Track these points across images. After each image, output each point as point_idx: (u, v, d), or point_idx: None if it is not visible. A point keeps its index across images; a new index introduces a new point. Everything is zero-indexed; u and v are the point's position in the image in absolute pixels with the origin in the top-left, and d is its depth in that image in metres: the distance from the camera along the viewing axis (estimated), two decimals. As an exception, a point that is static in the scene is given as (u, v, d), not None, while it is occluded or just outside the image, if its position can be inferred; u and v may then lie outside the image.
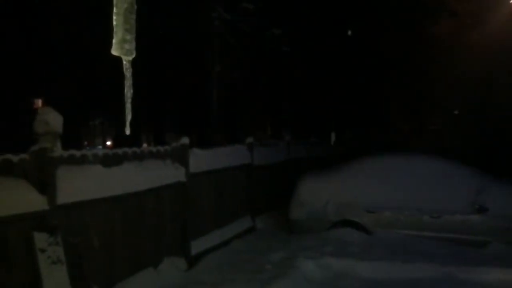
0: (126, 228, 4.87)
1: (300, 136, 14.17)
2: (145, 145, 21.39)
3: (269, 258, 6.12)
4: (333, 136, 13.99)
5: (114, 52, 1.58)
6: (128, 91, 1.69)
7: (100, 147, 33.85)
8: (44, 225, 3.72)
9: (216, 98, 11.75)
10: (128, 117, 1.78)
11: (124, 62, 1.62)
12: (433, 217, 6.66)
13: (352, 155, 9.16)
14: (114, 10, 1.58)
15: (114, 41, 1.56)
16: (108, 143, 35.54)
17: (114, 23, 1.56)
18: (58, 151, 3.97)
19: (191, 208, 6.15)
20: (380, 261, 5.60)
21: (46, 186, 3.77)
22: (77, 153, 4.41)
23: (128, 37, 1.56)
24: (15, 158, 3.66)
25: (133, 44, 1.60)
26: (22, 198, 3.54)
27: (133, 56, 1.62)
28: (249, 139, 8.36)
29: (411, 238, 6.63)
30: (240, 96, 17.23)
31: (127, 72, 1.64)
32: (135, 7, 1.57)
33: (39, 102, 17.24)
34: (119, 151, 5.03)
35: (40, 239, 3.65)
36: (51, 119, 3.76)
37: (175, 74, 15.95)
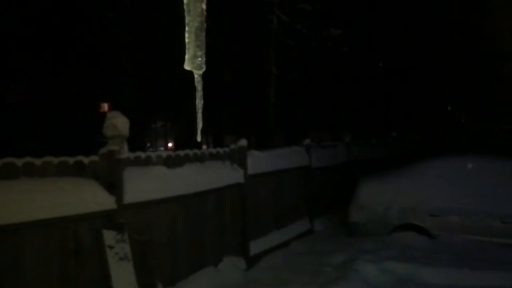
0: (188, 228, 5.03)
1: (360, 137, 13.89)
2: (204, 147, 21.93)
3: (328, 260, 6.06)
4: (394, 137, 13.56)
5: (187, 67, 1.68)
6: (199, 102, 1.79)
7: (162, 148, 35.05)
8: (112, 223, 3.94)
9: (274, 100, 11.80)
10: (200, 125, 1.87)
11: (196, 76, 1.72)
12: (505, 223, 6.27)
13: (415, 156, 8.84)
14: (186, 28, 1.69)
15: (186, 57, 1.66)
16: (170, 144, 36.71)
17: (186, 40, 1.67)
18: (125, 153, 4.18)
19: (250, 209, 6.23)
20: (445, 267, 5.36)
21: (114, 186, 3.99)
22: (142, 155, 4.63)
23: (199, 53, 1.66)
24: (86, 160, 3.90)
25: (204, 59, 1.69)
26: (93, 198, 3.76)
27: (203, 70, 1.70)
28: (307, 141, 8.33)
29: (480, 244, 6.28)
30: (298, 98, 17.17)
31: (198, 84, 1.74)
32: (205, 25, 1.67)
33: (105, 106, 18.23)
34: (181, 152, 5.20)
35: (109, 236, 3.86)
36: (119, 123, 3.97)
37: (233, 77, 16.23)
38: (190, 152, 5.35)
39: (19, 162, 3.40)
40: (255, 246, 6.20)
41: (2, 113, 11.97)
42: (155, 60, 14.71)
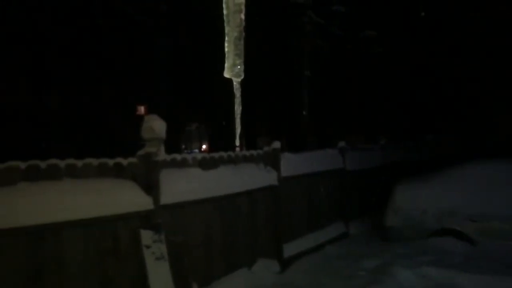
0: (222, 229, 5.08)
1: (396, 139, 13.62)
2: (237, 149, 22.05)
3: (363, 264, 5.98)
4: (431, 139, 13.22)
5: (226, 74, 1.75)
6: (238, 108, 1.86)
7: (196, 150, 35.42)
8: (149, 224, 4.03)
9: (308, 102, 11.76)
10: (238, 130, 1.94)
11: (235, 83, 1.79)
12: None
13: (452, 159, 8.60)
14: (226, 38, 1.76)
15: (226, 65, 1.73)
16: (204, 146, 37.09)
17: (226, 49, 1.73)
18: (162, 155, 4.27)
19: (283, 211, 6.22)
20: (486, 274, 5.17)
21: (151, 188, 4.08)
22: (178, 157, 4.72)
23: (237, 61, 1.73)
24: (125, 162, 4.01)
25: (242, 67, 1.76)
26: (131, 198, 3.86)
27: (242, 77, 1.76)
28: (341, 143, 8.25)
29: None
30: (332, 99, 17.03)
31: (237, 91, 1.82)
32: (243, 34, 1.73)
33: (142, 109, 18.67)
34: (216, 155, 5.26)
35: (146, 236, 3.95)
36: (156, 126, 4.06)
37: (265, 79, 16.26)
38: (224, 154, 5.40)
39: (62, 163, 3.53)
40: (289, 249, 6.19)
41: (42, 117, 12.45)
42: (190, 64, 14.96)
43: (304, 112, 11.76)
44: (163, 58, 13.71)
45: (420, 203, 6.92)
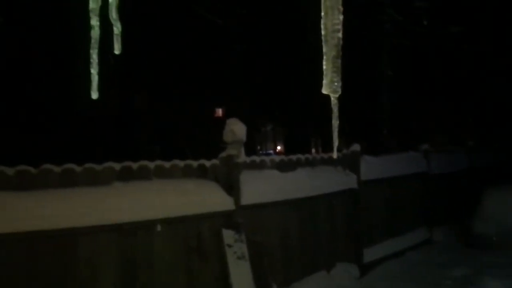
0: (300, 231, 5.09)
1: (485, 141, 12.75)
2: (313, 150, 21.90)
3: (449, 273, 5.70)
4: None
5: (324, 91, 1.84)
6: (336, 122, 1.95)
7: (271, 151, 35.75)
8: (231, 223, 4.16)
9: (388, 102, 11.39)
10: (336, 143, 2.00)
11: (332, 99, 1.88)
12: None
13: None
14: (324, 57, 1.83)
15: (324, 82, 1.82)
16: (278, 148, 37.29)
17: (324, 67, 1.82)
18: (242, 157, 4.39)
19: (363, 215, 6.09)
20: None
21: (232, 188, 4.21)
22: (257, 159, 4.83)
23: (335, 78, 1.81)
24: (208, 163, 4.19)
25: (340, 83, 1.82)
26: (214, 198, 4.02)
27: (339, 93, 1.83)
28: (425, 146, 7.90)
29: None
30: (414, 99, 16.32)
31: (334, 107, 1.91)
32: (341, 53, 1.79)
33: (219, 111, 19.25)
34: (293, 157, 5.30)
35: (228, 235, 4.09)
36: (237, 129, 4.19)
37: (343, 79, 15.99)
38: (302, 156, 5.42)
39: (151, 165, 3.77)
40: (369, 254, 6.04)
41: (128, 119, 13.27)
42: (265, 66, 15.15)
43: (383, 114, 11.39)
44: (239, 63, 14.04)
45: (513, 210, 6.45)
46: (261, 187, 4.54)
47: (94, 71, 1.76)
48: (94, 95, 1.77)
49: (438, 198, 8.09)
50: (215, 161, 4.24)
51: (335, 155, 2.13)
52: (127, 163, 3.63)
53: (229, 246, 4.06)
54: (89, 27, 1.73)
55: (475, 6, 12.85)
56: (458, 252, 6.84)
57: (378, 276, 5.73)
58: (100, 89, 1.79)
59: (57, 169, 3.27)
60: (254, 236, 4.42)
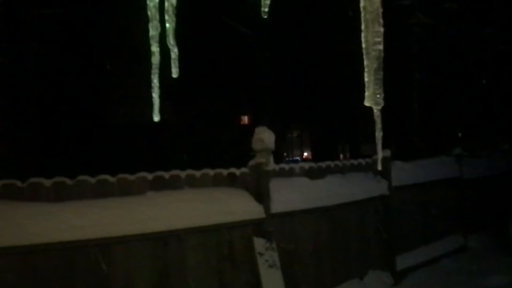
0: (331, 238, 5.04)
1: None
2: (341, 155, 21.69)
3: (485, 281, 5.53)
4: None
5: (367, 103, 1.87)
6: (379, 134, 1.99)
7: (298, 158, 35.61)
8: (262, 232, 4.15)
9: (418, 106, 11.19)
10: (380, 155, 2.05)
11: (375, 111, 1.90)
12: None
13: None
14: (365, 69, 1.84)
15: (366, 94, 1.85)
16: (305, 154, 37.10)
17: (366, 79, 1.84)
18: (271, 165, 4.39)
19: (395, 222, 5.98)
20: None
21: (262, 196, 4.21)
22: (286, 166, 4.82)
23: (377, 90, 1.82)
24: (237, 172, 4.20)
25: (382, 95, 1.84)
26: (244, 207, 4.03)
27: (382, 105, 1.85)
28: (457, 150, 7.71)
29: None
30: (444, 103, 15.97)
31: (378, 118, 1.94)
32: (382, 65, 1.81)
33: (245, 119, 19.35)
34: (323, 164, 5.26)
35: (259, 243, 4.08)
36: (266, 137, 4.19)
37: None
38: (331, 163, 5.38)
39: (182, 174, 3.81)
40: (402, 261, 5.92)
41: (155, 129, 13.47)
42: (292, 73, 15.16)
43: (413, 118, 11.19)
44: (266, 70, 14.10)
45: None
46: (291, 195, 4.52)
47: (155, 95, 1.82)
48: (156, 117, 1.83)
49: (473, 203, 7.86)
50: (244, 170, 4.25)
51: (379, 166, 2.17)
52: (159, 173, 3.68)
53: (261, 254, 4.06)
54: (149, 54, 1.78)
55: (507, 5, 12.50)
56: (494, 259, 6.61)
57: (412, 283, 5.61)
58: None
59: (92, 180, 3.34)
60: (285, 244, 4.40)
